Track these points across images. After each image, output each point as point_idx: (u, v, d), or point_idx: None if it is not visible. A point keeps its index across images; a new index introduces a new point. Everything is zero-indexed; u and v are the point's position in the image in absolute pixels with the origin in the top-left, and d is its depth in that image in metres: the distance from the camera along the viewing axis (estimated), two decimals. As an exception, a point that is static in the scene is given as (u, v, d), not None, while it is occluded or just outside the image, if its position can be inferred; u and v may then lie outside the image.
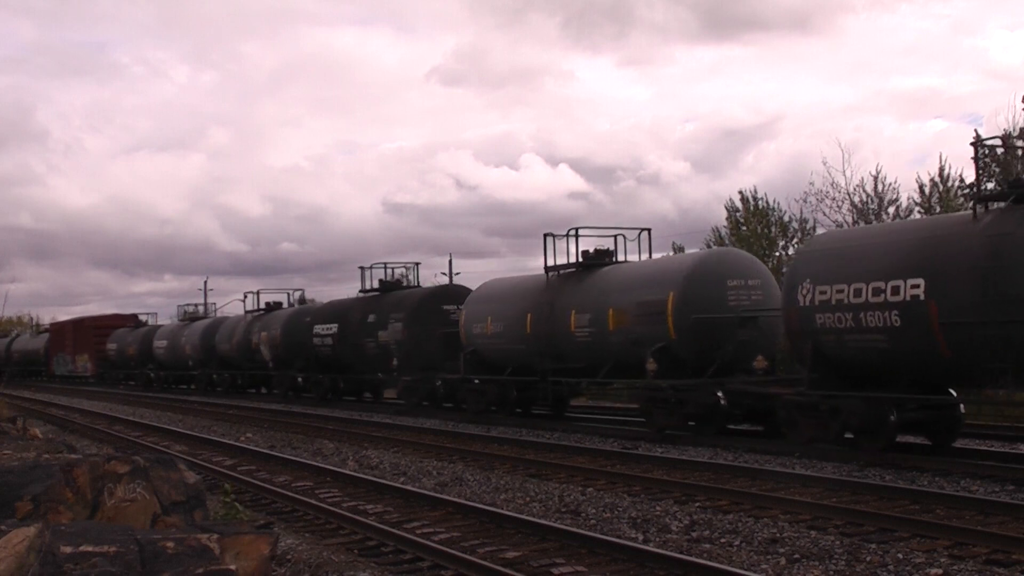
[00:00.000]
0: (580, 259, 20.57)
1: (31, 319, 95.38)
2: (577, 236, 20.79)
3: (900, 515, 9.41)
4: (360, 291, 29.32)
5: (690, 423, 16.84)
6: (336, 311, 30.00)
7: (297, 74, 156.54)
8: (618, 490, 11.87)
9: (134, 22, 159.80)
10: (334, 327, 29.21)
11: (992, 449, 14.22)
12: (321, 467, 14.59)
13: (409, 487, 12.29)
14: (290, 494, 12.10)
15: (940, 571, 7.62)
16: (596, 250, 20.81)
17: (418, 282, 28.84)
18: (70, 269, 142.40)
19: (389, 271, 28.97)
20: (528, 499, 11.58)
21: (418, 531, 9.58)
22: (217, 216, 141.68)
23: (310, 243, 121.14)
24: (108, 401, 36.74)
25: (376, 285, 28.85)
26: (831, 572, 7.73)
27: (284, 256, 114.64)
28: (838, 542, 8.65)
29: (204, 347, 39.35)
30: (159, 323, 49.62)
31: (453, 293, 26.43)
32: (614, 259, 20.68)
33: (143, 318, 51.14)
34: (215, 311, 44.97)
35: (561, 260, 20.89)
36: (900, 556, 8.08)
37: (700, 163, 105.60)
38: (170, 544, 4.90)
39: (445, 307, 25.44)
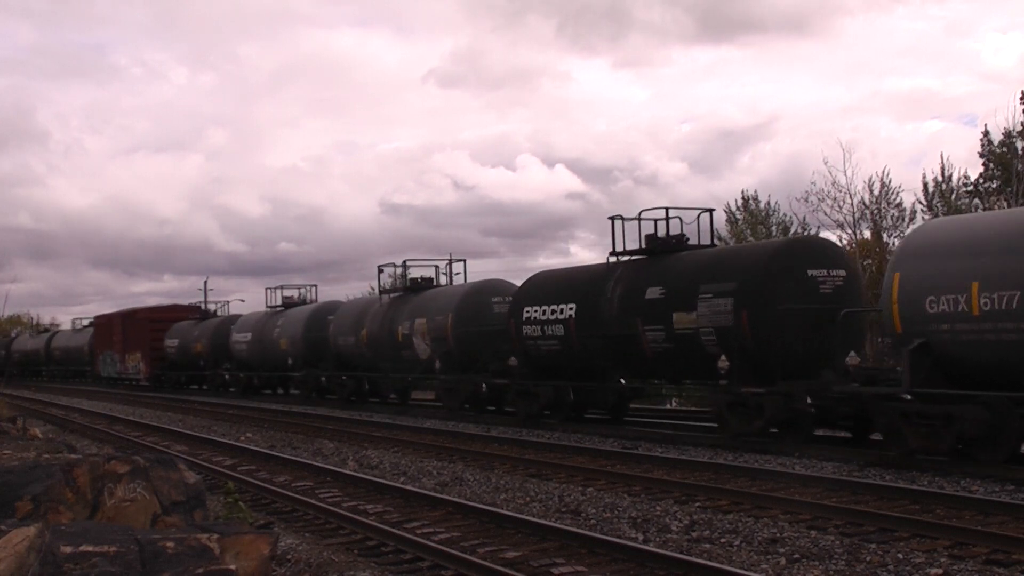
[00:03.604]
0: None
1: (31, 319, 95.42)
2: None
3: (900, 515, 9.40)
4: (611, 255, 18.69)
5: None
6: (570, 287, 19.77)
7: (295, 75, 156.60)
8: (618, 490, 11.87)
9: (132, 23, 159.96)
10: (566, 310, 19.38)
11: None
12: (321, 467, 14.60)
13: (409, 487, 12.29)
14: (290, 494, 12.11)
15: (940, 571, 7.62)
16: None
17: (712, 239, 18.62)
18: (70, 269, 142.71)
19: (659, 224, 18.19)
20: (528, 499, 11.59)
21: (418, 531, 9.58)
22: (216, 216, 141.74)
23: (308, 243, 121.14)
24: (108, 401, 36.73)
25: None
26: (831, 572, 7.73)
27: (283, 256, 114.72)
28: (838, 542, 8.65)
29: (310, 341, 30.39)
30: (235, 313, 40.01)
31: (823, 250, 16.35)
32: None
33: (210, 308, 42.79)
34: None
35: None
36: (900, 556, 8.08)
37: (697, 164, 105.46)
38: (170, 544, 4.91)
39: (812, 272, 15.50)
